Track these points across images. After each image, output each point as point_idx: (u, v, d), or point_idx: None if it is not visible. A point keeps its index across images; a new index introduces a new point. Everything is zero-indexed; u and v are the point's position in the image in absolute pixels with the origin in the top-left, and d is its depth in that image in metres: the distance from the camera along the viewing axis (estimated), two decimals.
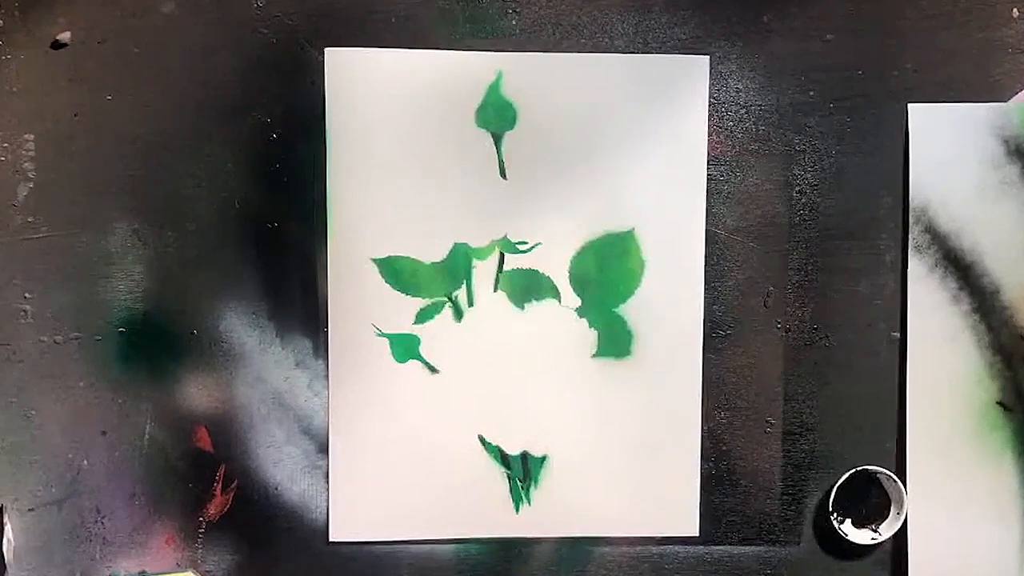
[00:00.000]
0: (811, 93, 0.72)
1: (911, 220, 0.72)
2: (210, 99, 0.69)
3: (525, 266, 0.71)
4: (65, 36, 0.67)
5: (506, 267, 0.71)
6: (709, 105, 0.71)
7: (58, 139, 0.68)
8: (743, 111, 0.72)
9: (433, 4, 0.69)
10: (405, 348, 0.70)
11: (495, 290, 0.71)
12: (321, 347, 0.70)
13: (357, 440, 0.71)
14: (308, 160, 0.69)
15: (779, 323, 0.73)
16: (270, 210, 0.70)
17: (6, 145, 0.67)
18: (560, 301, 0.71)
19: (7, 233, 0.68)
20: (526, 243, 0.70)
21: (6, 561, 0.66)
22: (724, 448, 0.73)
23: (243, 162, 0.69)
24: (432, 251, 0.70)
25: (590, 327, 0.71)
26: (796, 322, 0.73)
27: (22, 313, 0.68)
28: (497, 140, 0.70)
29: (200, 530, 0.70)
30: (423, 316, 0.70)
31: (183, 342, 0.70)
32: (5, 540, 0.66)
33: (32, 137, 0.67)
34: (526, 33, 0.70)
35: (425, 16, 0.69)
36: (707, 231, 0.71)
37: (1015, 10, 0.72)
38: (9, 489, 0.68)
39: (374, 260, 0.70)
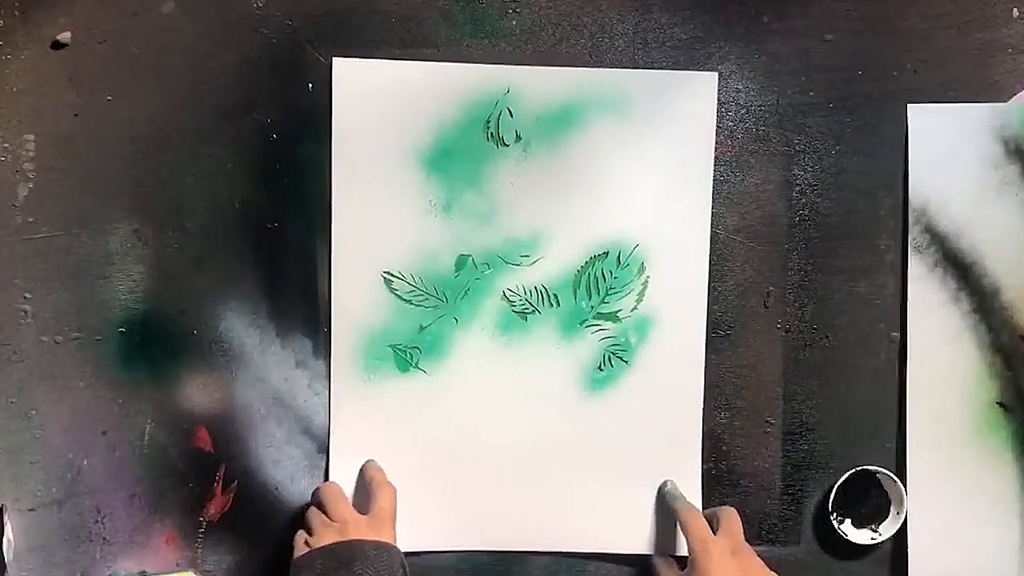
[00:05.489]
0: (811, 93, 0.72)
1: (911, 220, 0.72)
2: (210, 99, 0.68)
3: (529, 278, 0.70)
4: (65, 36, 0.67)
5: (510, 279, 0.70)
6: None
7: (58, 139, 0.67)
8: (743, 111, 0.71)
9: (433, 4, 0.69)
10: (406, 358, 0.70)
11: (499, 300, 0.70)
12: (321, 347, 0.70)
13: (357, 440, 0.71)
14: (308, 160, 0.69)
15: (779, 323, 0.73)
16: (270, 210, 0.69)
17: (6, 145, 0.67)
18: (564, 312, 0.71)
19: (7, 233, 0.67)
20: (529, 256, 0.70)
21: (6, 561, 0.66)
22: (724, 448, 0.73)
23: (243, 162, 0.69)
24: (435, 263, 0.70)
25: (593, 336, 0.71)
26: (796, 322, 0.73)
27: (22, 313, 0.68)
28: (503, 153, 0.69)
29: (200, 530, 0.70)
30: (425, 325, 0.70)
31: (183, 342, 0.69)
32: (5, 540, 0.66)
33: (32, 137, 0.67)
34: (526, 33, 0.70)
35: (425, 16, 0.69)
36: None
37: (1015, 10, 0.72)
38: (9, 489, 0.68)
39: (381, 273, 0.69)
